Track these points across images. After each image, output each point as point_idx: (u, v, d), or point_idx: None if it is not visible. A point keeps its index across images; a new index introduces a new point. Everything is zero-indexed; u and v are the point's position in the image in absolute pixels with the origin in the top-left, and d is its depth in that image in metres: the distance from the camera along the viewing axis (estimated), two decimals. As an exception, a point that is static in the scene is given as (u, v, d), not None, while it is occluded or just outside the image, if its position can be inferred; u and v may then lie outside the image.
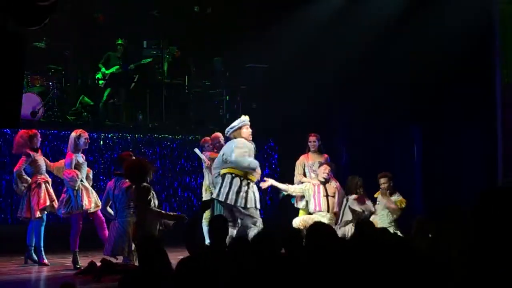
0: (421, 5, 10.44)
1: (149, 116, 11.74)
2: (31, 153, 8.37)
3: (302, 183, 9.06)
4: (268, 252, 4.25)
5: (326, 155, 9.42)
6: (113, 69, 11.64)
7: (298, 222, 8.60)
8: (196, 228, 6.11)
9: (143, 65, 11.93)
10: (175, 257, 4.52)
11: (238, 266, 4.35)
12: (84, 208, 8.18)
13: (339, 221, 8.37)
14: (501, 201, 3.80)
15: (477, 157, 10.03)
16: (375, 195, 8.61)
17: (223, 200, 7.80)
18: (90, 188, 8.41)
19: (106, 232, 8.13)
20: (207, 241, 8.56)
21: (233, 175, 7.84)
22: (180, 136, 11.52)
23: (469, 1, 9.73)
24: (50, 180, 8.53)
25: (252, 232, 7.48)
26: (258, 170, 8.01)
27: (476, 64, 9.94)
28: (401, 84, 10.68)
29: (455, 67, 10.01)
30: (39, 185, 8.34)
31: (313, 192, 8.74)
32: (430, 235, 5.18)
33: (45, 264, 8.34)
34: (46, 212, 8.42)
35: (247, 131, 8.05)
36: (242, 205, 7.74)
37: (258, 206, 7.88)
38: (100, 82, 11.64)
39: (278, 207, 9.84)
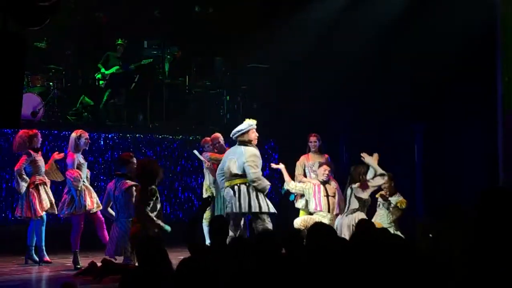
0: (422, 4, 10.43)
1: (150, 116, 11.73)
2: (31, 152, 8.38)
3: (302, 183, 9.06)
4: (268, 252, 4.25)
5: (326, 155, 9.41)
6: (112, 70, 11.64)
7: (299, 222, 8.59)
8: (196, 228, 6.10)
9: (144, 65, 11.93)
10: (176, 257, 4.52)
11: (239, 266, 4.34)
12: (87, 208, 8.18)
13: (345, 209, 8.32)
14: (502, 201, 3.80)
15: (478, 157, 10.02)
16: (376, 196, 8.60)
17: (237, 211, 7.83)
18: (91, 188, 8.42)
19: (106, 233, 8.14)
20: (208, 241, 8.57)
21: (238, 184, 7.86)
22: (180, 136, 11.52)
23: (470, 0, 9.72)
24: (48, 181, 8.53)
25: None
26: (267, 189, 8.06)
27: (477, 63, 9.93)
28: (402, 84, 10.68)
29: (456, 66, 10.00)
30: (37, 186, 8.34)
31: (313, 192, 8.72)
32: (430, 235, 5.17)
33: (49, 262, 8.35)
34: (46, 212, 8.42)
35: (254, 135, 8.06)
36: (257, 210, 7.79)
37: (272, 210, 7.92)
38: (101, 82, 11.63)
39: (278, 207, 9.81)
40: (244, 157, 7.86)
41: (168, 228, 6.92)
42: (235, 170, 7.86)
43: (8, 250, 9.03)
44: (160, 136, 11.39)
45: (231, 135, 8.19)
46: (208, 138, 9.80)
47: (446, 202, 8.65)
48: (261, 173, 7.97)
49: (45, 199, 8.35)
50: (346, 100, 11.44)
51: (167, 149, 11.35)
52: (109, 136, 10.86)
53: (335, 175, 9.13)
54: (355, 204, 8.22)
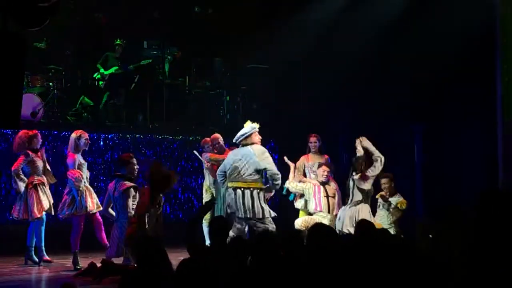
0: (422, 5, 10.43)
1: (149, 116, 11.73)
2: (29, 153, 8.38)
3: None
4: (268, 252, 4.25)
5: (326, 156, 9.42)
6: (111, 70, 11.63)
7: (300, 223, 8.60)
8: (196, 229, 6.10)
9: (143, 66, 11.93)
10: (175, 257, 4.52)
11: (238, 266, 4.35)
12: (88, 209, 8.18)
13: (348, 201, 8.32)
14: (501, 202, 3.80)
15: (477, 157, 10.02)
16: (377, 196, 8.60)
17: (240, 216, 7.86)
18: (91, 189, 8.42)
19: (104, 234, 8.16)
20: (207, 242, 8.57)
21: (242, 189, 7.89)
22: (180, 137, 11.51)
23: (470, 1, 9.72)
24: (47, 181, 8.53)
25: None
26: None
27: (477, 64, 9.93)
28: (401, 84, 10.69)
29: (456, 67, 10.00)
30: (35, 186, 8.34)
31: (313, 192, 8.73)
32: (430, 236, 5.17)
33: (49, 261, 8.34)
34: (45, 212, 8.42)
35: (257, 137, 8.09)
36: (260, 216, 7.83)
37: (273, 214, 8.00)
38: (100, 83, 11.62)
39: (278, 207, 9.82)
40: (255, 156, 7.88)
41: None
42: (250, 171, 7.88)
43: (8, 250, 9.03)
44: (160, 137, 11.39)
45: (234, 140, 8.20)
46: (208, 139, 9.80)
47: (445, 203, 8.67)
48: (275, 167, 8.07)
49: (44, 200, 8.34)
50: (345, 101, 11.45)
51: (167, 150, 11.35)
52: (109, 136, 10.86)
53: (335, 176, 9.14)
54: (358, 196, 8.22)
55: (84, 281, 7.03)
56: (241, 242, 4.78)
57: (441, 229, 4.72)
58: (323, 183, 8.79)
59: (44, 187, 8.43)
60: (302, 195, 8.90)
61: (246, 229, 8.10)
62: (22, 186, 8.33)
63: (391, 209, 8.57)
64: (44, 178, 8.49)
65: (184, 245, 5.54)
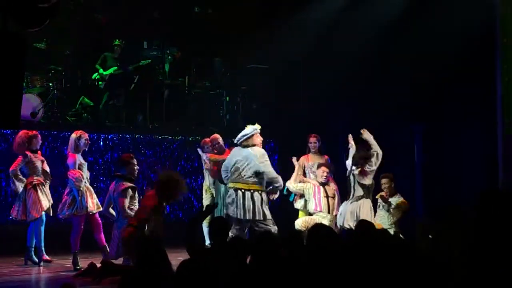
0: (422, 5, 10.43)
1: (149, 117, 11.73)
2: (28, 153, 8.37)
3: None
4: (268, 252, 4.25)
5: (326, 156, 9.41)
6: (110, 70, 11.62)
7: (300, 223, 8.59)
8: (196, 229, 6.10)
9: (142, 66, 11.93)
10: (175, 258, 4.52)
11: (239, 266, 4.35)
12: (88, 210, 8.18)
13: (350, 196, 8.32)
14: (501, 202, 3.80)
15: (477, 157, 10.01)
16: (376, 197, 8.60)
17: (241, 218, 7.86)
18: (92, 189, 8.42)
19: (102, 236, 8.16)
20: (207, 242, 8.57)
21: (243, 190, 7.89)
22: (180, 137, 11.51)
23: (470, 1, 9.72)
24: (47, 182, 8.52)
25: None
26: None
27: (477, 64, 9.92)
28: (401, 84, 10.68)
29: (456, 67, 10.00)
30: (34, 187, 8.34)
31: (313, 192, 8.73)
32: (430, 236, 5.17)
33: (48, 261, 8.34)
34: (44, 213, 8.41)
35: (259, 139, 8.09)
36: (261, 218, 7.84)
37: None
38: (100, 83, 11.62)
39: (278, 208, 9.82)
40: (256, 159, 7.89)
41: None
42: (250, 173, 7.88)
43: (7, 250, 9.03)
44: (159, 137, 11.38)
45: (235, 141, 8.19)
46: (208, 139, 9.81)
47: (445, 203, 8.66)
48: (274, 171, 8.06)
49: (43, 200, 8.33)
50: (345, 101, 11.44)
51: (166, 150, 11.34)
52: (109, 137, 10.85)
53: (335, 176, 9.13)
54: (359, 191, 8.23)
55: (84, 282, 7.03)
56: (241, 242, 4.78)
57: (441, 229, 4.71)
58: (323, 184, 8.79)
59: (43, 187, 8.43)
60: (302, 195, 8.90)
61: (246, 229, 8.10)
62: (20, 187, 8.34)
63: (391, 210, 8.57)
64: (44, 178, 8.48)
65: (183, 245, 5.55)
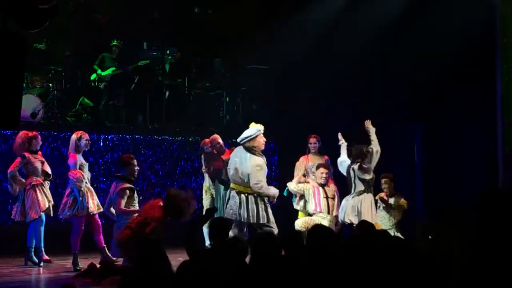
0: (422, 5, 10.43)
1: (149, 117, 11.73)
2: (26, 155, 8.37)
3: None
4: (268, 252, 4.25)
5: (326, 157, 9.40)
6: (109, 71, 11.62)
7: (300, 223, 8.59)
8: (196, 230, 6.09)
9: (140, 66, 11.93)
10: (175, 258, 4.52)
11: (239, 266, 4.35)
12: (89, 210, 8.18)
13: (351, 191, 8.32)
14: (501, 202, 3.80)
15: (477, 157, 10.01)
16: (376, 197, 8.60)
17: (244, 221, 7.86)
18: (93, 190, 8.42)
19: (102, 237, 8.16)
20: (207, 243, 8.57)
21: (246, 194, 7.89)
22: (180, 138, 11.50)
23: (470, 1, 9.72)
24: (47, 182, 8.51)
25: None
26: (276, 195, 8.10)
27: (477, 64, 9.92)
28: (401, 84, 10.68)
29: (456, 67, 10.00)
30: (33, 187, 8.34)
31: (312, 193, 8.73)
32: (430, 237, 5.17)
33: (48, 261, 8.34)
34: (44, 214, 8.41)
35: (262, 140, 8.06)
36: (265, 221, 7.84)
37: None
38: (101, 84, 11.61)
39: (278, 209, 9.81)
40: (249, 169, 7.84)
41: None
42: (241, 176, 7.87)
43: (7, 250, 9.03)
44: (159, 137, 11.37)
45: (238, 140, 8.13)
46: (207, 140, 9.81)
47: (445, 203, 8.66)
48: (264, 181, 7.95)
49: (42, 200, 8.32)
50: (345, 101, 11.43)
51: (166, 150, 11.33)
52: (109, 137, 10.85)
53: (335, 176, 9.13)
54: (360, 186, 8.24)
55: (84, 282, 7.02)
56: (240, 242, 4.78)
57: (441, 229, 4.71)
58: (322, 185, 8.79)
59: (43, 187, 8.42)
60: (302, 196, 8.89)
61: (245, 230, 8.10)
62: (18, 188, 8.33)
63: (392, 212, 8.59)
64: (43, 178, 8.47)
65: (183, 246, 5.54)
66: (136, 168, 7.80)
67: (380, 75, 10.96)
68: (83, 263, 8.02)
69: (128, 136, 11.04)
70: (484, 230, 3.84)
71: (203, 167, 9.69)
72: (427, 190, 10.53)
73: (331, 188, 8.89)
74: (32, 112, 10.19)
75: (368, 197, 8.19)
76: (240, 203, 7.86)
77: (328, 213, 8.67)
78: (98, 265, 7.35)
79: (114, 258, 7.74)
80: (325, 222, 8.28)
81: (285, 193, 9.22)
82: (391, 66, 10.74)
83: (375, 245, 4.08)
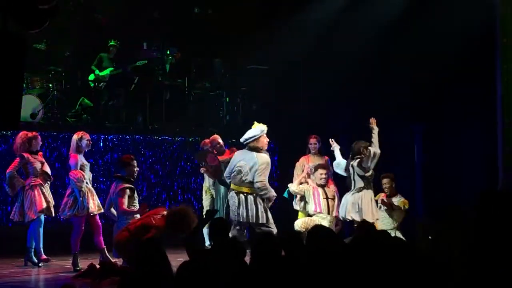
0: (422, 5, 10.43)
1: (149, 117, 11.72)
2: (25, 155, 8.36)
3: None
4: (268, 252, 4.25)
5: (326, 157, 9.40)
6: (107, 71, 11.61)
7: (300, 224, 8.59)
8: (196, 231, 6.09)
9: (138, 67, 11.92)
10: (175, 259, 4.52)
11: (239, 266, 4.34)
12: (89, 210, 8.17)
13: (352, 187, 8.32)
14: (501, 202, 3.79)
15: (477, 157, 10.01)
16: (376, 197, 8.60)
17: (243, 221, 7.86)
18: (93, 190, 8.41)
19: (102, 238, 8.15)
20: (207, 243, 8.58)
21: (245, 194, 7.89)
22: (179, 138, 11.50)
23: (470, 1, 9.72)
24: (47, 183, 8.51)
25: None
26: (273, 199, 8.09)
27: (477, 64, 9.92)
28: (401, 84, 10.68)
29: (456, 67, 10.00)
30: (32, 188, 8.33)
31: (312, 194, 8.73)
32: (430, 237, 5.17)
33: (47, 260, 8.33)
34: (43, 214, 8.40)
35: (265, 140, 8.07)
36: (264, 221, 7.84)
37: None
38: (100, 84, 11.61)
39: (278, 209, 9.81)
40: (257, 165, 7.85)
41: None
42: (248, 177, 7.86)
43: (7, 251, 9.03)
44: (159, 138, 11.37)
45: (242, 141, 8.12)
46: (207, 140, 9.81)
47: (445, 203, 8.66)
48: (267, 181, 7.97)
49: (39, 201, 8.30)
50: (345, 101, 11.44)
51: (166, 151, 11.33)
52: (109, 137, 10.84)
53: (334, 177, 9.12)
54: (360, 182, 8.25)
55: (84, 283, 7.02)
56: (239, 242, 4.78)
57: (441, 229, 4.71)
58: (322, 186, 8.79)
59: (42, 188, 8.41)
60: (303, 197, 8.88)
61: (245, 230, 8.10)
62: (16, 188, 8.33)
63: (394, 213, 8.60)
64: (43, 179, 8.46)
65: (183, 246, 5.54)
66: (135, 169, 7.80)
67: (380, 75, 10.96)
68: (83, 264, 8.02)
69: (128, 137, 11.04)
70: (484, 230, 3.84)
71: (202, 167, 9.67)
72: (427, 190, 10.53)
73: (331, 189, 8.89)
74: (32, 113, 10.19)
75: (368, 194, 8.20)
76: (239, 203, 7.86)
77: (328, 213, 8.66)
78: (97, 266, 7.34)
79: (114, 260, 7.73)
80: (325, 223, 8.28)
81: (285, 195, 9.22)
82: (391, 66, 10.74)
83: (375, 245, 4.08)
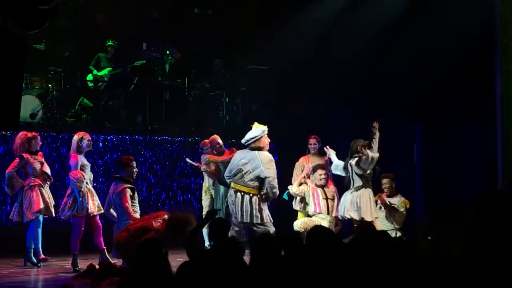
0: (421, 5, 10.42)
1: (149, 117, 11.72)
2: (25, 155, 8.36)
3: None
4: (268, 253, 4.25)
5: (326, 158, 9.38)
6: (105, 71, 11.61)
7: (299, 224, 8.58)
8: (196, 231, 6.09)
9: (137, 67, 11.92)
10: (175, 259, 4.51)
11: (239, 266, 4.34)
12: (89, 211, 8.17)
13: (350, 186, 8.32)
14: (501, 202, 3.79)
15: (477, 157, 10.00)
16: (376, 197, 8.59)
17: (238, 219, 7.88)
18: (94, 191, 8.40)
19: (102, 239, 8.14)
20: (207, 243, 8.57)
21: (243, 193, 7.89)
22: (179, 138, 11.49)
23: (470, 1, 9.72)
24: (47, 183, 8.50)
25: None
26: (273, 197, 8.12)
27: (476, 64, 9.92)
28: (401, 84, 10.67)
29: (455, 67, 9.99)
30: (31, 188, 8.32)
31: (312, 194, 8.72)
32: (430, 237, 5.16)
33: (45, 259, 8.32)
34: (41, 214, 8.39)
35: (267, 141, 8.08)
36: (259, 221, 7.84)
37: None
38: (99, 84, 11.60)
39: (278, 209, 9.80)
40: (260, 163, 7.86)
41: None
42: (252, 176, 7.87)
43: (7, 251, 9.02)
44: (159, 138, 11.37)
45: (243, 141, 8.13)
46: (207, 141, 9.80)
47: (445, 203, 8.65)
48: (275, 178, 8.01)
49: (38, 201, 8.29)
50: (345, 101, 11.43)
51: (166, 151, 11.32)
52: (108, 138, 10.84)
53: (334, 177, 9.11)
54: (358, 181, 8.25)
55: (83, 283, 7.02)
56: (239, 242, 4.77)
57: (441, 229, 4.71)
58: (322, 186, 8.78)
59: (41, 188, 8.40)
60: (303, 198, 8.87)
61: (244, 231, 8.10)
62: (15, 188, 8.32)
63: (394, 214, 8.59)
64: (43, 179, 8.45)
65: (183, 246, 5.54)
66: (135, 170, 7.80)
67: (380, 75, 10.95)
68: (82, 264, 8.01)
69: (127, 137, 11.03)
70: (484, 230, 3.84)
71: (203, 167, 9.67)
72: (427, 190, 10.53)
73: (331, 189, 8.88)
74: (32, 113, 10.18)
75: (367, 192, 8.20)
76: (235, 201, 7.87)
77: (328, 214, 8.66)
78: (97, 266, 7.34)
79: (114, 261, 7.72)
80: (325, 223, 8.27)
81: (285, 196, 9.21)
82: (391, 66, 10.73)
83: (375, 245, 4.08)
